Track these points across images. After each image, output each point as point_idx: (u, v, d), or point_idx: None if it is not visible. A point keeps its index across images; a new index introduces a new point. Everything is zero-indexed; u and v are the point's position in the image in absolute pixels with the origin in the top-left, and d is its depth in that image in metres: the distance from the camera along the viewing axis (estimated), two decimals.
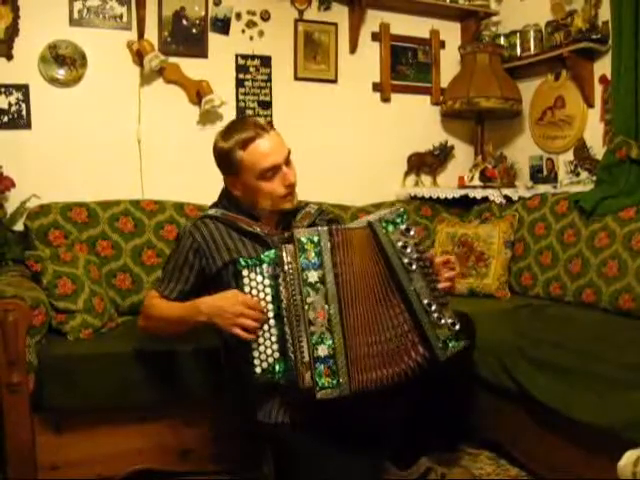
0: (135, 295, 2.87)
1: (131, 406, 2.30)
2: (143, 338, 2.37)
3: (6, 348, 2.11)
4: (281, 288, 1.70)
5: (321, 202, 2.20)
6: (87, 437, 2.28)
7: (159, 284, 2.01)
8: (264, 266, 1.73)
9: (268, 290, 1.73)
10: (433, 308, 1.70)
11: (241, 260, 1.74)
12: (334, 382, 1.63)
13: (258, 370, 1.70)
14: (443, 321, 1.70)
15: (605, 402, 1.97)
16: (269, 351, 1.71)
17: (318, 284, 1.65)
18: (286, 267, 1.67)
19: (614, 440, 1.86)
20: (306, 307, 1.64)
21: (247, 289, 1.72)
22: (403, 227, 1.74)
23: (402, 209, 1.77)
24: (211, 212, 2.01)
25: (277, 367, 1.70)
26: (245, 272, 1.73)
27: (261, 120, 1.99)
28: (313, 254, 1.66)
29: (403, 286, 1.70)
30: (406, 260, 1.70)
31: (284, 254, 1.68)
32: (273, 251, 1.75)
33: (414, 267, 1.70)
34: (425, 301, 1.70)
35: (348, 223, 2.93)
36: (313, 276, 1.65)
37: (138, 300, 2.84)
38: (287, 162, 1.94)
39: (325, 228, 1.71)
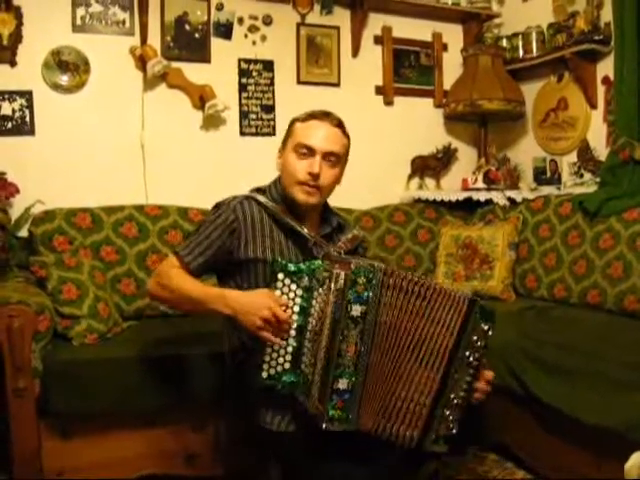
0: (140, 300, 2.86)
1: (136, 411, 2.30)
2: (148, 343, 2.38)
3: (12, 353, 2.11)
4: (314, 303, 1.66)
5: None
6: (93, 442, 2.28)
7: (183, 249, 1.89)
8: (301, 275, 1.68)
9: (298, 300, 1.68)
10: (454, 402, 1.64)
11: (280, 261, 1.69)
12: (343, 416, 1.60)
13: (264, 375, 1.68)
14: (450, 418, 1.65)
15: (610, 403, 1.97)
16: (281, 360, 1.68)
17: (359, 319, 1.60)
18: (332, 293, 1.63)
19: (620, 441, 1.85)
20: (341, 338, 1.59)
21: (278, 293, 1.68)
22: (487, 326, 1.66)
23: (494, 311, 1.69)
24: (261, 198, 1.92)
25: (284, 377, 1.68)
26: (280, 276, 1.67)
27: (337, 116, 1.94)
28: (363, 289, 1.60)
29: (450, 370, 1.63)
30: (467, 353, 1.64)
31: (333, 279, 1.63)
32: (316, 263, 1.70)
33: (470, 360, 1.64)
34: (452, 395, 1.64)
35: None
36: (357, 310, 1.60)
37: (143, 305, 2.85)
38: (328, 159, 1.86)
39: (382, 265, 1.63)
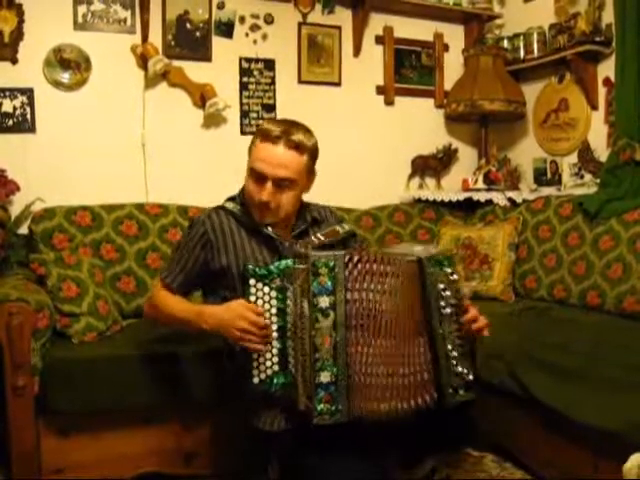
0: (139, 298, 2.86)
1: (135, 409, 2.30)
2: (147, 341, 2.38)
3: (11, 351, 2.11)
4: (289, 302, 1.68)
5: (325, 205, 2.18)
6: (91, 440, 2.28)
7: (164, 271, 1.99)
8: (272, 277, 1.69)
9: (274, 302, 1.70)
10: (454, 354, 1.66)
11: (249, 267, 1.70)
12: (333, 408, 1.59)
13: (256, 380, 1.69)
14: (459, 369, 1.66)
15: (609, 405, 1.97)
16: (269, 363, 1.69)
17: (328, 310, 1.59)
18: (297, 289, 1.64)
19: (620, 443, 1.85)
20: (313, 332, 1.59)
21: (253, 298, 1.70)
22: (448, 270, 1.68)
23: (452, 252, 1.71)
24: (228, 205, 1.97)
25: (275, 379, 1.69)
26: (252, 281, 1.69)
27: (300, 134, 1.89)
28: (327, 279, 1.59)
29: (432, 327, 1.65)
30: (443, 303, 1.66)
31: (295, 275, 1.65)
32: (284, 262, 1.71)
33: (448, 311, 1.66)
34: (449, 346, 1.66)
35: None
36: (325, 301, 1.59)
37: (142, 303, 2.83)
38: (279, 184, 1.86)
39: (342, 252, 1.63)
